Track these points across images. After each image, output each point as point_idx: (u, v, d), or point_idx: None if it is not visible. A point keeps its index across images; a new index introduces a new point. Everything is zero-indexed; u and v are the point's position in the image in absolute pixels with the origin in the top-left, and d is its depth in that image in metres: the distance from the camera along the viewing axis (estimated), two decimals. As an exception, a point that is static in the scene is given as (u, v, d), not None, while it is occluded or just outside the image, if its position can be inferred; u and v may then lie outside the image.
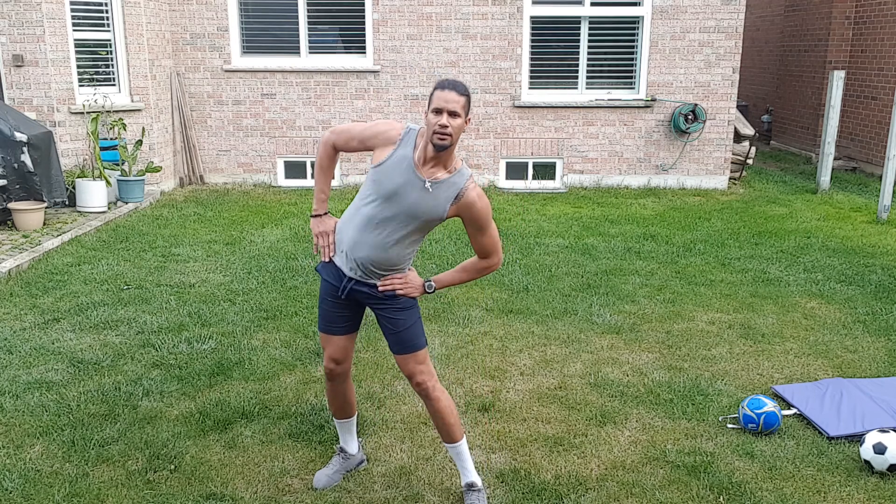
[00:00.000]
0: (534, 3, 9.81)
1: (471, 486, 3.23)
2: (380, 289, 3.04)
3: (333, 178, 3.27)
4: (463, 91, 2.83)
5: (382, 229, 2.95)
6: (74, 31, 8.52)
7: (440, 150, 2.84)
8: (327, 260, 3.13)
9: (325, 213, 3.18)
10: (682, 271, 6.52)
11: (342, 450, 3.47)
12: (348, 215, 3.07)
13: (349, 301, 3.15)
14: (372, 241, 2.96)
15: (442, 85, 2.84)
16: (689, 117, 9.86)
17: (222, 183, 10.15)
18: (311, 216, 3.19)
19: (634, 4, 9.83)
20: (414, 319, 3.10)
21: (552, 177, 10.25)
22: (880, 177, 10.02)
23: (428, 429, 3.88)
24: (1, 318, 5.28)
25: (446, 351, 4.80)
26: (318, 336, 5.00)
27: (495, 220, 3.17)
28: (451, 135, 2.80)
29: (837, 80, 9.44)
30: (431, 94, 2.85)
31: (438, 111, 2.80)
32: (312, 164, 10.21)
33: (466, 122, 2.87)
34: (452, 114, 2.80)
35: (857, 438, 3.75)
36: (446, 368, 4.55)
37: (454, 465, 3.55)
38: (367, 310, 3.34)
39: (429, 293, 3.11)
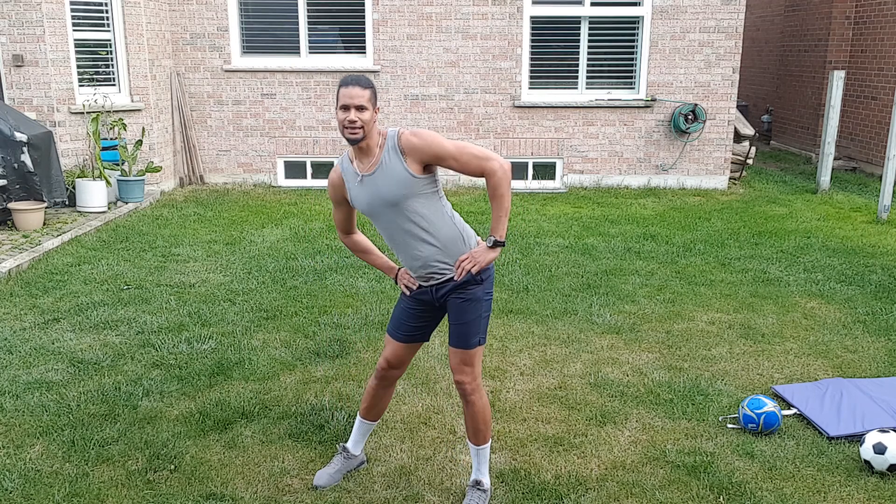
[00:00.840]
0: (534, 3, 9.81)
1: (478, 484, 3.25)
2: (457, 279, 3.04)
3: (374, 250, 3.38)
4: (366, 84, 2.92)
5: (398, 230, 3.03)
6: (74, 31, 8.52)
7: (354, 144, 2.95)
8: (415, 288, 3.20)
9: (399, 270, 3.30)
10: (682, 271, 6.52)
11: (345, 448, 3.47)
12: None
13: (428, 311, 3.21)
14: (406, 247, 3.06)
15: (345, 82, 2.92)
16: (689, 117, 9.86)
17: (222, 183, 10.15)
18: (395, 281, 3.31)
19: (634, 4, 9.83)
20: (477, 314, 3.09)
21: (552, 177, 10.26)
22: (880, 177, 10.02)
23: (428, 429, 3.88)
24: (1, 318, 5.28)
25: (446, 351, 4.80)
26: (319, 331, 5.01)
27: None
28: (361, 127, 2.90)
29: (837, 80, 9.44)
30: (338, 93, 2.93)
31: (346, 108, 2.90)
32: (312, 165, 10.22)
33: (375, 113, 2.95)
34: (359, 108, 2.89)
35: (857, 438, 3.75)
36: (446, 368, 4.55)
37: (454, 465, 3.55)
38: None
39: (500, 245, 3.00)
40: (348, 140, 2.93)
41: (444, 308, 3.20)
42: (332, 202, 3.23)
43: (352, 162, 3.06)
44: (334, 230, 7.74)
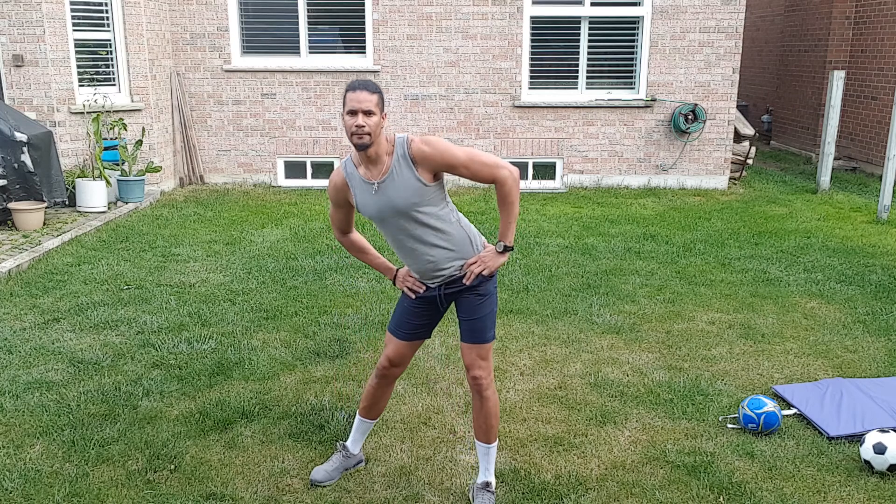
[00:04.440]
0: (534, 3, 9.81)
1: (486, 486, 3.24)
2: (466, 283, 3.06)
3: (371, 249, 3.35)
4: (374, 89, 2.88)
5: (408, 236, 3.02)
6: (74, 31, 8.52)
7: (362, 149, 2.91)
8: (422, 292, 3.18)
9: (397, 270, 3.29)
10: (682, 271, 6.52)
11: (345, 447, 3.47)
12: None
13: (432, 308, 3.20)
14: (416, 252, 3.05)
15: (353, 86, 2.88)
16: (689, 117, 9.86)
17: (222, 183, 10.15)
18: (393, 282, 3.29)
19: (634, 4, 9.83)
20: (489, 309, 3.12)
21: (552, 177, 10.26)
22: (880, 177, 10.02)
23: (428, 429, 3.88)
24: (1, 318, 5.28)
25: (446, 351, 4.80)
26: (319, 331, 5.01)
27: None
28: (369, 133, 2.86)
29: (837, 80, 9.44)
30: (345, 97, 2.89)
31: (353, 112, 2.86)
32: (312, 165, 10.22)
33: (383, 118, 2.92)
34: (367, 112, 2.85)
35: (857, 438, 3.75)
36: (446, 368, 4.55)
37: (454, 465, 3.55)
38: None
39: (509, 251, 3.07)
40: (356, 145, 2.89)
41: (440, 311, 3.23)
42: (331, 203, 3.20)
43: (357, 167, 3.02)
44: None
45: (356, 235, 3.34)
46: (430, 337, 3.33)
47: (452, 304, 3.22)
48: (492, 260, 3.06)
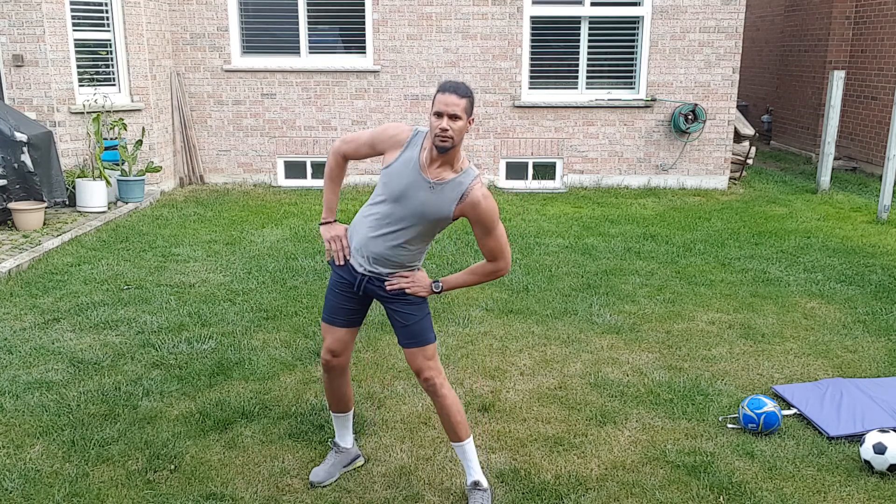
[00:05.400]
0: (534, 3, 9.81)
1: (476, 485, 3.24)
2: (387, 288, 3.09)
3: (341, 186, 3.32)
4: (464, 93, 2.86)
5: (392, 229, 3.01)
6: (74, 31, 8.52)
7: (442, 152, 2.90)
8: (341, 263, 3.17)
9: (334, 221, 3.25)
10: (682, 271, 6.52)
11: (336, 444, 3.49)
12: (361, 214, 3.13)
13: (358, 295, 3.19)
14: (383, 240, 3.04)
15: (444, 88, 2.87)
16: (689, 117, 9.86)
17: (222, 183, 10.15)
18: (321, 224, 3.25)
19: (634, 4, 9.83)
20: (423, 314, 3.15)
21: (552, 177, 10.26)
22: (880, 177, 10.02)
23: (428, 429, 3.88)
24: (1, 318, 5.28)
25: (446, 351, 4.80)
26: (319, 332, 5.01)
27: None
28: (451, 137, 2.85)
29: (837, 80, 9.44)
30: (434, 96, 2.88)
31: (439, 115, 2.85)
32: (312, 165, 10.22)
33: (469, 123, 2.91)
34: (453, 117, 2.83)
35: (857, 438, 3.75)
36: (446, 368, 4.55)
37: (454, 465, 3.55)
38: (372, 307, 3.36)
39: (436, 293, 3.15)
40: (437, 147, 2.87)
41: (367, 298, 3.21)
42: (370, 135, 3.11)
43: (422, 150, 2.97)
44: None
45: (345, 168, 3.26)
46: (360, 324, 3.30)
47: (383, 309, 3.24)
48: (421, 287, 3.11)
